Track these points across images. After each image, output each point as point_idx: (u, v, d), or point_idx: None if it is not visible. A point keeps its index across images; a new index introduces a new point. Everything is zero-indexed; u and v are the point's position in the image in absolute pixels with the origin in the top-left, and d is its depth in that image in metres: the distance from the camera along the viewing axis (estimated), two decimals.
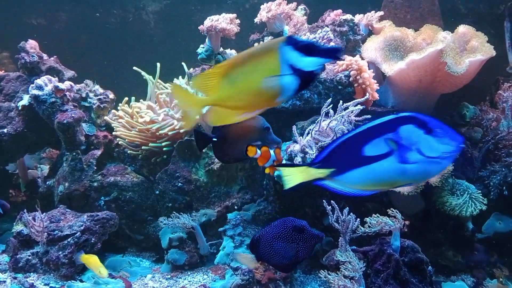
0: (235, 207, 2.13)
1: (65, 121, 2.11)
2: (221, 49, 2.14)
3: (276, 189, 2.01)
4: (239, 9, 2.76)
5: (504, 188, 1.85)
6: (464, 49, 1.95)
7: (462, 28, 2.00)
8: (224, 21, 2.03)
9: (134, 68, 2.34)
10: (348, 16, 2.16)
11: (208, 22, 2.05)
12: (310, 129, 1.84)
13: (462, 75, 1.82)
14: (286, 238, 1.37)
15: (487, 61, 2.55)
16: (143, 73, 2.33)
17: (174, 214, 2.01)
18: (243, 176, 2.16)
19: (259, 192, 2.13)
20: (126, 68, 2.37)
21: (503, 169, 1.85)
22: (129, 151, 2.18)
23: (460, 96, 2.22)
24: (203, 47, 2.07)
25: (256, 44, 2.31)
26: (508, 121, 1.91)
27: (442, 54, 1.81)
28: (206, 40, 2.09)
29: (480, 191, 1.86)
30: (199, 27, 2.06)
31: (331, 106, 1.69)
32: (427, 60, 1.84)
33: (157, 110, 2.13)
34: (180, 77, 2.33)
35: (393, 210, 1.74)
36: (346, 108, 1.73)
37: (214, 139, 1.39)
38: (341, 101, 1.75)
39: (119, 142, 2.20)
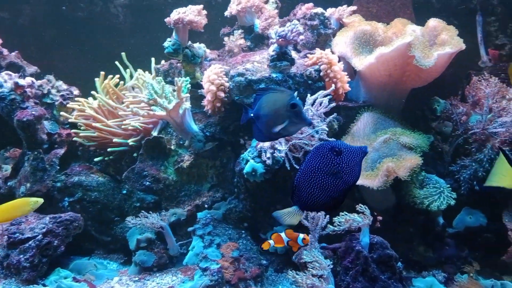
0: (206, 206, 2.07)
1: (24, 119, 2.01)
2: (189, 42, 2.07)
3: (247, 187, 1.97)
4: (211, 2, 2.69)
5: (474, 183, 1.85)
6: (434, 42, 1.93)
7: (433, 22, 1.98)
8: (191, 13, 1.97)
9: (116, 63, 2.25)
10: (319, 10, 2.12)
11: (174, 14, 1.98)
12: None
13: (431, 68, 1.80)
14: (326, 165, 1.08)
15: (459, 56, 2.55)
16: (122, 68, 2.25)
17: (143, 213, 1.94)
18: (214, 173, 2.11)
19: (230, 190, 2.08)
20: (94, 63, 2.28)
21: (473, 164, 1.85)
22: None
23: (433, 90, 2.21)
24: (170, 41, 2.00)
25: (226, 38, 2.26)
26: (483, 117, 1.89)
27: (411, 47, 1.79)
28: (173, 33, 2.02)
29: (449, 186, 1.85)
30: (165, 20, 1.99)
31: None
32: (396, 53, 1.81)
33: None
34: (147, 72, 2.25)
35: (362, 206, 1.72)
36: (314, 101, 1.69)
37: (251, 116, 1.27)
38: (308, 94, 1.71)
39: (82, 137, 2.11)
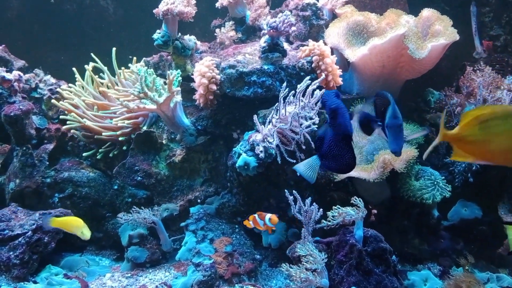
0: (198, 200, 2.05)
1: (12, 114, 1.97)
2: (179, 34, 2.03)
3: (240, 181, 1.94)
4: None
5: (468, 175, 1.83)
6: (428, 33, 1.90)
7: (426, 12, 1.95)
8: (180, 4, 1.92)
9: (92, 54, 2.20)
10: (311, 0, 2.09)
11: (163, 5, 1.93)
12: (271, 117, 1.77)
13: (424, 59, 1.78)
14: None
15: (454, 47, 2.53)
16: (99, 62, 2.20)
17: (134, 209, 1.91)
18: (206, 168, 2.08)
19: (223, 184, 2.06)
20: (84, 57, 2.23)
21: None
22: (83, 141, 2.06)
23: (427, 82, 2.19)
24: (159, 33, 1.96)
25: (218, 30, 2.22)
26: (476, 106, 1.88)
27: (404, 38, 1.76)
28: (163, 25, 1.98)
29: (444, 178, 1.84)
30: (154, 11, 1.94)
31: (286, 90, 1.63)
32: (389, 44, 1.78)
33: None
34: (136, 64, 2.21)
35: (356, 199, 1.70)
36: (305, 92, 1.66)
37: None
38: (298, 85, 1.68)
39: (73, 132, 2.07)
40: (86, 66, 2.17)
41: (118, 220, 1.89)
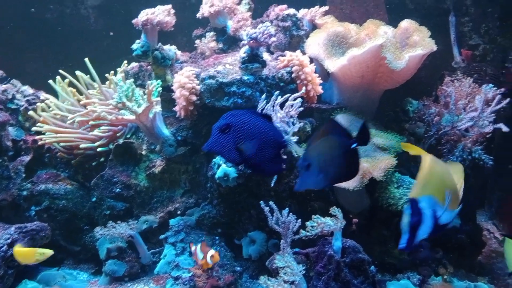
0: (178, 212, 2.02)
1: None
2: (159, 44, 2.01)
3: (220, 192, 1.92)
4: (185, 3, 2.65)
5: None
6: (406, 43, 1.92)
7: (405, 23, 1.97)
8: (160, 14, 1.92)
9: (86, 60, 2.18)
10: (291, 11, 2.10)
11: (142, 15, 1.92)
12: None
13: (403, 70, 1.79)
14: None
15: (434, 56, 2.56)
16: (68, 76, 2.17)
17: (110, 223, 1.88)
18: (187, 179, 2.06)
19: (203, 195, 2.04)
20: (65, 66, 2.20)
21: None
22: (60, 154, 2.03)
23: (407, 91, 2.21)
24: (139, 43, 1.95)
25: (198, 41, 2.21)
26: (452, 116, 1.90)
27: (382, 49, 1.77)
28: (142, 35, 1.96)
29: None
30: (133, 21, 1.93)
31: (264, 102, 1.63)
32: (368, 55, 1.80)
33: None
34: (119, 74, 2.19)
35: (335, 209, 1.69)
36: (284, 103, 1.66)
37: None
38: (278, 97, 1.68)
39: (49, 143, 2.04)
40: (78, 72, 2.14)
41: (95, 234, 1.86)
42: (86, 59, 2.06)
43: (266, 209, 1.66)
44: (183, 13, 2.45)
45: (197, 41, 2.20)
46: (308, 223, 1.69)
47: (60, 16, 2.72)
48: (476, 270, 2.01)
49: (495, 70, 2.37)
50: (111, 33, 2.62)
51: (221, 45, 2.19)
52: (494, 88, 1.97)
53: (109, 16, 2.63)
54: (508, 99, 1.85)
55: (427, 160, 1.14)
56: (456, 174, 1.18)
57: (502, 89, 2.18)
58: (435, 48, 1.90)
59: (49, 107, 2.07)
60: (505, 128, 1.80)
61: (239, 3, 2.25)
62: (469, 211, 1.98)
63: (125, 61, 2.25)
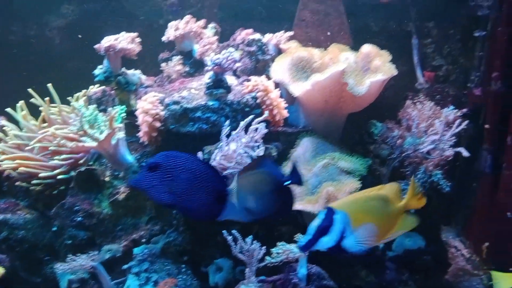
0: (143, 240, 1.97)
1: None
2: (123, 69, 1.99)
3: (185, 218, 1.89)
4: (152, 25, 2.63)
5: None
6: (368, 68, 1.96)
7: (366, 48, 2.01)
8: (123, 41, 1.89)
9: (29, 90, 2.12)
10: (256, 36, 2.11)
11: (105, 41, 1.90)
12: (215, 155, 1.75)
13: (365, 95, 1.82)
14: None
15: (399, 77, 2.62)
16: (36, 96, 2.11)
17: (69, 257, 1.82)
18: (152, 205, 2.02)
19: (169, 222, 1.99)
20: (29, 89, 2.14)
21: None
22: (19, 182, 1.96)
23: (373, 112, 2.24)
24: (101, 68, 1.92)
25: (164, 64, 2.19)
26: (414, 139, 1.94)
27: (344, 75, 1.80)
28: (104, 60, 1.94)
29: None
30: (95, 47, 1.90)
31: (228, 128, 1.63)
32: (330, 80, 1.82)
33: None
34: (81, 99, 2.14)
35: (300, 236, 1.69)
36: (248, 128, 1.66)
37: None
38: (241, 122, 1.68)
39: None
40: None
41: (55, 270, 1.79)
42: (49, 85, 2.01)
43: (229, 238, 1.65)
44: (150, 35, 2.43)
45: (163, 65, 2.18)
46: (273, 249, 1.68)
47: (24, 38, 2.67)
48: None
49: (457, 91, 2.44)
50: (79, 36, 2.54)
51: (187, 69, 2.18)
52: (455, 110, 2.03)
53: (75, 38, 2.59)
54: (467, 121, 1.90)
55: (375, 189, 1.14)
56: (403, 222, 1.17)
57: (464, 110, 2.27)
58: (395, 73, 1.94)
59: (6, 135, 2.01)
60: (465, 153, 1.85)
61: (205, 27, 2.26)
62: (433, 231, 2.01)
63: (92, 86, 2.22)
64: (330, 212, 1.05)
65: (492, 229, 2.19)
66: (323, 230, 1.04)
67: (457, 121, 1.90)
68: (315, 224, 1.06)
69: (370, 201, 1.12)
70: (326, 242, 1.05)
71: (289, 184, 1.14)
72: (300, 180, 1.15)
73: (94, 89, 2.12)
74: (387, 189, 1.16)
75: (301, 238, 1.05)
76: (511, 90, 2.08)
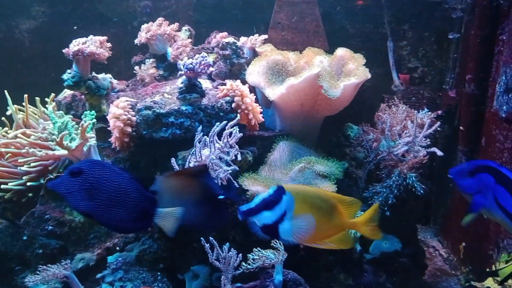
0: (117, 248, 1.93)
1: None
2: (93, 73, 1.94)
3: None
4: (126, 27, 2.58)
5: (385, 208, 1.87)
6: (342, 71, 1.96)
7: (340, 51, 2.01)
8: (93, 45, 1.84)
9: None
10: (231, 39, 2.09)
11: (74, 45, 1.84)
12: (188, 162, 1.72)
13: (339, 98, 1.82)
14: None
15: (376, 79, 2.64)
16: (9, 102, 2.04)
17: (40, 267, 1.76)
18: None
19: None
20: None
21: (384, 190, 1.88)
22: None
23: (350, 114, 2.25)
24: (70, 73, 1.86)
25: (137, 68, 2.15)
26: (389, 142, 1.95)
27: (319, 78, 1.79)
28: (73, 65, 1.88)
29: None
30: (63, 51, 1.85)
31: (201, 134, 1.60)
32: (305, 84, 1.81)
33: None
34: (51, 105, 2.08)
35: (276, 241, 1.68)
36: (221, 133, 1.64)
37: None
38: (214, 128, 1.65)
39: None
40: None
41: (27, 284, 1.73)
42: (6, 92, 1.94)
43: (207, 246, 1.62)
44: (125, 37, 2.38)
45: (136, 68, 2.13)
46: (250, 255, 1.66)
47: None
48: None
49: (432, 93, 2.47)
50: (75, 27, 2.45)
51: (161, 72, 2.15)
52: (429, 113, 2.05)
53: (46, 41, 2.52)
54: (439, 123, 1.92)
55: (336, 195, 1.16)
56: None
57: (439, 112, 2.29)
58: (369, 76, 1.94)
59: None
60: (439, 153, 1.86)
61: (179, 30, 2.22)
62: (410, 233, 2.03)
63: (66, 91, 2.15)
64: (280, 190, 1.05)
65: (468, 229, 2.23)
66: (268, 204, 1.03)
67: (428, 122, 1.90)
68: (263, 195, 1.05)
69: (320, 200, 1.10)
70: (266, 217, 1.04)
71: (224, 198, 1.13)
72: (237, 196, 1.16)
73: (64, 95, 2.05)
74: (346, 201, 1.14)
75: (244, 205, 1.03)
76: (484, 92, 2.12)
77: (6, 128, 2.07)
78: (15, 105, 2.06)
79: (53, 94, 2.07)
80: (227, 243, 1.64)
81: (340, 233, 1.12)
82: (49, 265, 1.77)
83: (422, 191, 1.80)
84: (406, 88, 2.48)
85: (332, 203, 1.11)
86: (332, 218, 1.10)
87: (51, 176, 1.89)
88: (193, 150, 1.70)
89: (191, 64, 1.78)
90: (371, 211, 1.16)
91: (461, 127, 2.20)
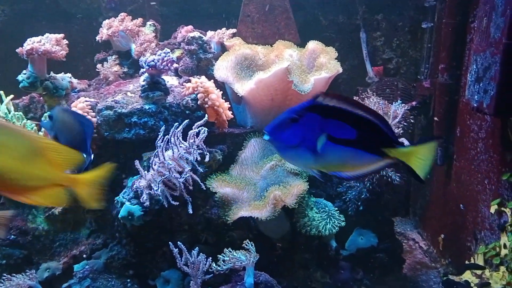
0: (84, 255, 1.84)
1: None
2: (51, 73, 1.84)
3: (128, 230, 1.78)
4: (92, 23, 2.47)
5: (359, 203, 1.83)
6: (314, 65, 1.90)
7: (312, 44, 1.96)
8: (48, 43, 1.74)
9: None
10: (196, 34, 2.00)
11: (27, 44, 1.74)
12: (153, 163, 1.64)
13: (310, 92, 1.76)
14: None
15: (351, 70, 2.59)
16: None
17: (4, 276, 1.68)
18: (93, 218, 1.89)
19: (111, 235, 1.87)
20: None
21: (358, 184, 1.83)
22: None
23: None
24: (25, 73, 1.76)
25: (99, 66, 2.05)
26: None
27: (288, 73, 1.73)
28: (28, 65, 1.78)
29: (337, 208, 1.82)
30: (17, 50, 1.74)
31: (161, 135, 1.53)
32: (274, 78, 1.75)
33: None
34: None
35: (248, 243, 1.62)
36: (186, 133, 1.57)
37: None
38: (174, 128, 1.58)
39: None
40: None
41: None
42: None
43: (175, 250, 1.56)
44: (90, 34, 2.27)
45: (99, 66, 2.04)
46: (220, 256, 1.60)
47: None
48: (400, 284, 2.02)
49: (406, 84, 2.43)
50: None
51: (126, 69, 2.05)
52: (403, 105, 2.01)
53: (7, 39, 2.39)
54: (411, 115, 1.88)
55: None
56: None
57: (413, 103, 2.26)
58: (340, 70, 1.89)
59: None
60: (406, 142, 1.82)
61: (143, 25, 2.13)
62: (385, 228, 1.99)
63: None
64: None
65: (447, 220, 2.21)
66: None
67: (393, 112, 1.85)
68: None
69: (13, 139, 0.86)
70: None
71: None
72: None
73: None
74: (59, 151, 0.92)
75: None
76: (458, 81, 2.09)
77: None
78: None
79: (11, 96, 1.97)
80: (196, 248, 1.58)
81: (52, 189, 0.90)
82: (14, 275, 1.70)
83: (398, 180, 1.76)
84: (380, 79, 2.44)
85: (35, 147, 0.88)
86: (32, 166, 0.87)
87: None
88: (156, 151, 1.63)
89: (153, 61, 1.69)
90: (102, 170, 0.99)
91: (435, 118, 2.16)
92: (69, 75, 1.90)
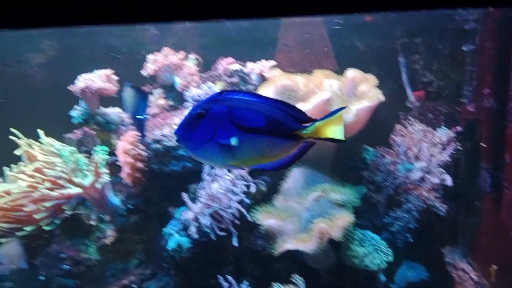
0: (133, 285, 1.89)
1: None
2: (102, 108, 1.93)
3: (176, 262, 1.81)
4: (136, 56, 2.58)
5: (407, 235, 1.79)
6: (354, 94, 1.90)
7: (351, 72, 1.96)
8: (99, 80, 1.84)
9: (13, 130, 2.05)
10: (237, 66, 2.05)
11: (81, 82, 1.84)
12: (199, 195, 1.68)
13: (353, 122, 1.76)
14: None
15: (390, 96, 2.55)
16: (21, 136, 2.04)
17: None
18: (142, 249, 1.94)
19: (160, 265, 1.91)
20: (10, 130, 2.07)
21: (405, 215, 1.79)
22: None
23: (365, 135, 2.17)
24: (79, 110, 1.86)
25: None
26: (404, 165, 1.87)
27: (330, 103, 1.74)
28: (80, 101, 1.88)
29: (385, 241, 1.79)
30: (69, 88, 1.84)
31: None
32: (316, 109, 1.76)
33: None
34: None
35: (298, 278, 1.62)
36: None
37: None
38: None
39: None
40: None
41: None
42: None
43: (226, 285, 1.57)
44: (134, 67, 2.38)
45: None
46: None
47: (2, 76, 2.62)
48: None
49: (449, 108, 2.37)
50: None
51: (171, 102, 2.13)
52: (448, 131, 1.96)
53: (57, 74, 2.53)
54: (454, 146, 1.83)
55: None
56: None
57: (458, 129, 2.20)
58: (382, 98, 1.88)
59: None
60: (449, 182, 1.77)
61: (185, 58, 2.20)
62: (434, 259, 1.93)
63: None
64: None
65: (498, 251, 2.11)
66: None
67: (438, 138, 1.80)
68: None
69: None
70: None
71: None
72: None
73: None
74: None
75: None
76: (504, 107, 2.02)
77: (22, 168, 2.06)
78: (25, 140, 2.06)
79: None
80: (247, 282, 1.59)
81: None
82: None
83: (443, 211, 1.71)
84: (422, 104, 2.40)
85: None
86: None
87: (66, 215, 1.88)
88: (202, 183, 1.67)
89: (198, 95, 1.75)
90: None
91: (482, 144, 2.09)
92: (119, 109, 1.99)
